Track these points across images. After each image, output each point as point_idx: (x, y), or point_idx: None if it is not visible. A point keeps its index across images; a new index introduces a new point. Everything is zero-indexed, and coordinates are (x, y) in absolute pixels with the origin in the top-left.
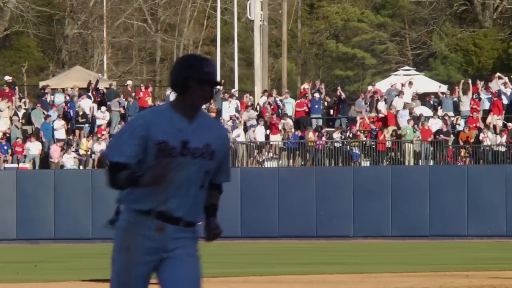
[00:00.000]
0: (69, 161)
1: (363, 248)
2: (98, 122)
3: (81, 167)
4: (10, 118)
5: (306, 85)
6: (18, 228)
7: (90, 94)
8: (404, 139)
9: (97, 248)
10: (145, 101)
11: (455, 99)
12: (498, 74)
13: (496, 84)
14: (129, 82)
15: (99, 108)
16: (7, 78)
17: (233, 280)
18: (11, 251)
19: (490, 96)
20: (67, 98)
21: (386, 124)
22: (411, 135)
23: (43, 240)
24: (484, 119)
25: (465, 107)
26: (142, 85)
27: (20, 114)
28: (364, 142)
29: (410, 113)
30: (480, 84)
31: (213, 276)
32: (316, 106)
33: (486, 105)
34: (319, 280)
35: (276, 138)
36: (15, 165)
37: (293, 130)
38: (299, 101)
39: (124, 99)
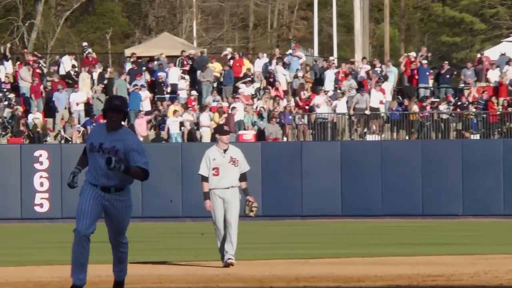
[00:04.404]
0: (175, 125)
1: (473, 228)
2: (181, 93)
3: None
4: (93, 88)
5: (413, 53)
6: None
7: (179, 62)
8: None
9: (187, 227)
10: (239, 70)
11: None
12: None
13: None
14: (229, 49)
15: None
16: (85, 44)
17: (334, 261)
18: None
19: None
20: (154, 67)
21: (497, 94)
22: None
23: (130, 219)
24: None
25: None
26: (236, 52)
27: (97, 82)
28: (474, 114)
29: None
30: None
31: (312, 257)
32: (427, 74)
33: None
34: (425, 261)
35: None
36: None
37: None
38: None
39: (214, 67)
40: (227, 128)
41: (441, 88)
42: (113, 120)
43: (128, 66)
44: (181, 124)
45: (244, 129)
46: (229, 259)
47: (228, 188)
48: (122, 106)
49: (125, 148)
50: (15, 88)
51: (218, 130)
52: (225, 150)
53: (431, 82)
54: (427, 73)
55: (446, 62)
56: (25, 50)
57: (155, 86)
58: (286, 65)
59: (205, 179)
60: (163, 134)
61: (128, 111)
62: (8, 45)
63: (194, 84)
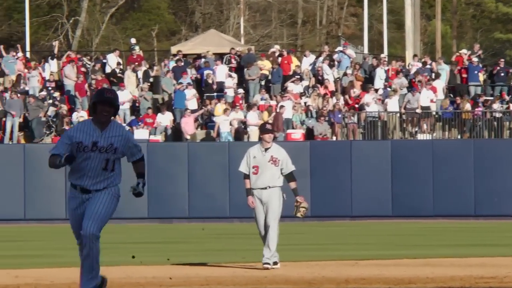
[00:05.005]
0: (225, 124)
1: None
2: (228, 92)
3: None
4: (138, 87)
5: (465, 51)
6: (150, 206)
7: (226, 60)
8: None
9: (234, 228)
10: (288, 67)
11: None
12: None
13: None
14: (277, 47)
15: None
16: (133, 41)
17: (384, 263)
18: (142, 230)
19: None
20: (201, 64)
21: None
22: None
23: (177, 219)
24: None
25: None
26: (283, 49)
27: (143, 80)
28: None
29: None
30: None
31: (362, 258)
32: (475, 72)
33: None
34: (478, 263)
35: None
36: (146, 137)
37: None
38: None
39: (264, 65)
40: (269, 126)
41: (495, 86)
42: (104, 114)
43: (172, 64)
44: (229, 123)
45: (293, 127)
46: (264, 263)
47: (265, 188)
48: (115, 100)
49: (125, 145)
50: (59, 86)
51: (261, 129)
52: (266, 149)
53: (481, 80)
54: (476, 71)
55: (502, 60)
56: (70, 51)
57: (201, 84)
58: (333, 63)
59: (246, 176)
60: (213, 133)
61: (119, 105)
62: (57, 43)
63: (242, 82)
